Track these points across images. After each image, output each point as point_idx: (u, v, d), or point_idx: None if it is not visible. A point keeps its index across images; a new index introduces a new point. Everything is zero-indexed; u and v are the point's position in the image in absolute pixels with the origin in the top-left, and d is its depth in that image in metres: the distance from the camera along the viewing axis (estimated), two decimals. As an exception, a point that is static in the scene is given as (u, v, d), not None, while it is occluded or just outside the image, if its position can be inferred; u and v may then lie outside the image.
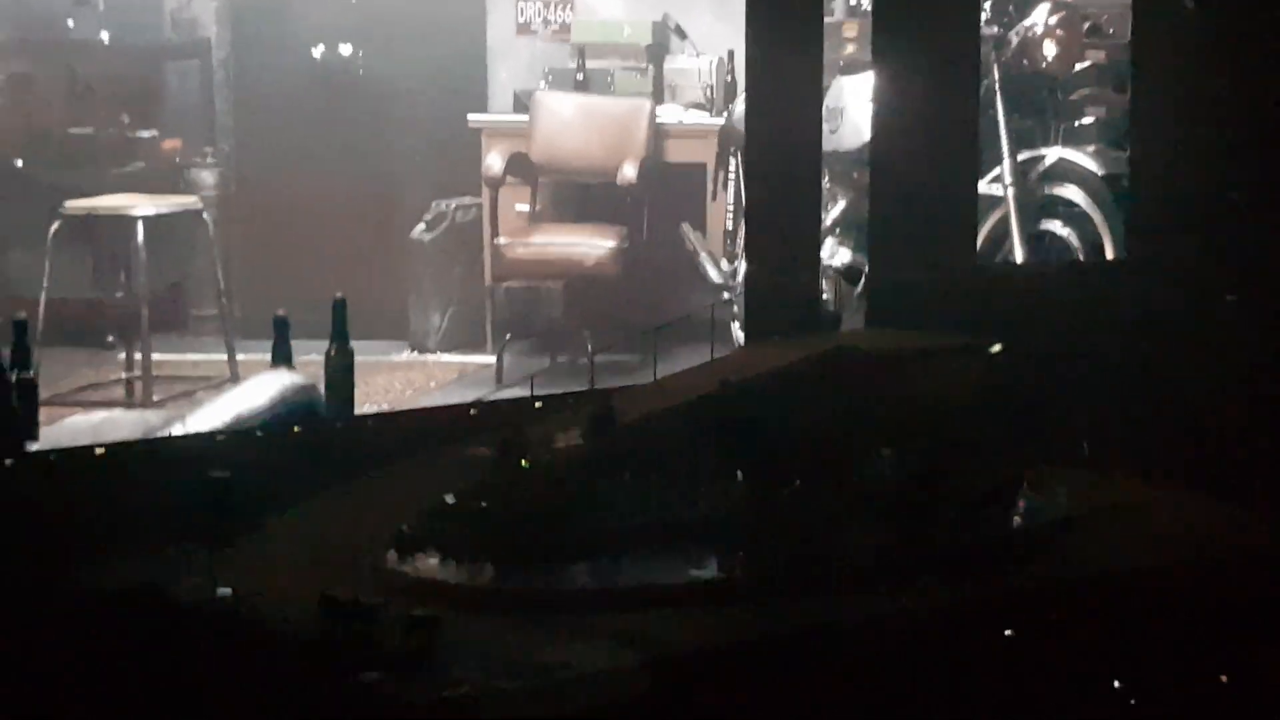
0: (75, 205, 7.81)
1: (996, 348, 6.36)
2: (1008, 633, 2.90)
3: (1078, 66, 8.00)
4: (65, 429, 6.53)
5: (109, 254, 8.40)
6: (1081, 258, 7.45)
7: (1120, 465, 5.45)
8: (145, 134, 9.43)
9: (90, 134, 9.27)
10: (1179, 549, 3.77)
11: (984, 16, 7.48)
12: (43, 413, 5.87)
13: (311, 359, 6.26)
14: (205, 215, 8.09)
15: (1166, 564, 3.52)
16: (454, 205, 9.22)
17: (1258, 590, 3.33)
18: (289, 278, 8.85)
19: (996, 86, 7.59)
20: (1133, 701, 2.95)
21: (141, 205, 7.77)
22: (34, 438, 5.47)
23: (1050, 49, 7.80)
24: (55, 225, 7.71)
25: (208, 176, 9.50)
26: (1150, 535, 4.60)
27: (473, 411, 5.21)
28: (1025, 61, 7.78)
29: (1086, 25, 8.18)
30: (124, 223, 7.68)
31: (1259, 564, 3.61)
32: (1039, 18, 7.82)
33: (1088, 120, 7.93)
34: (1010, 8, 7.86)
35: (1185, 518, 4.96)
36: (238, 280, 9.14)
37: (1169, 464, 5.50)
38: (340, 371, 6.24)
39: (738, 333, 7.62)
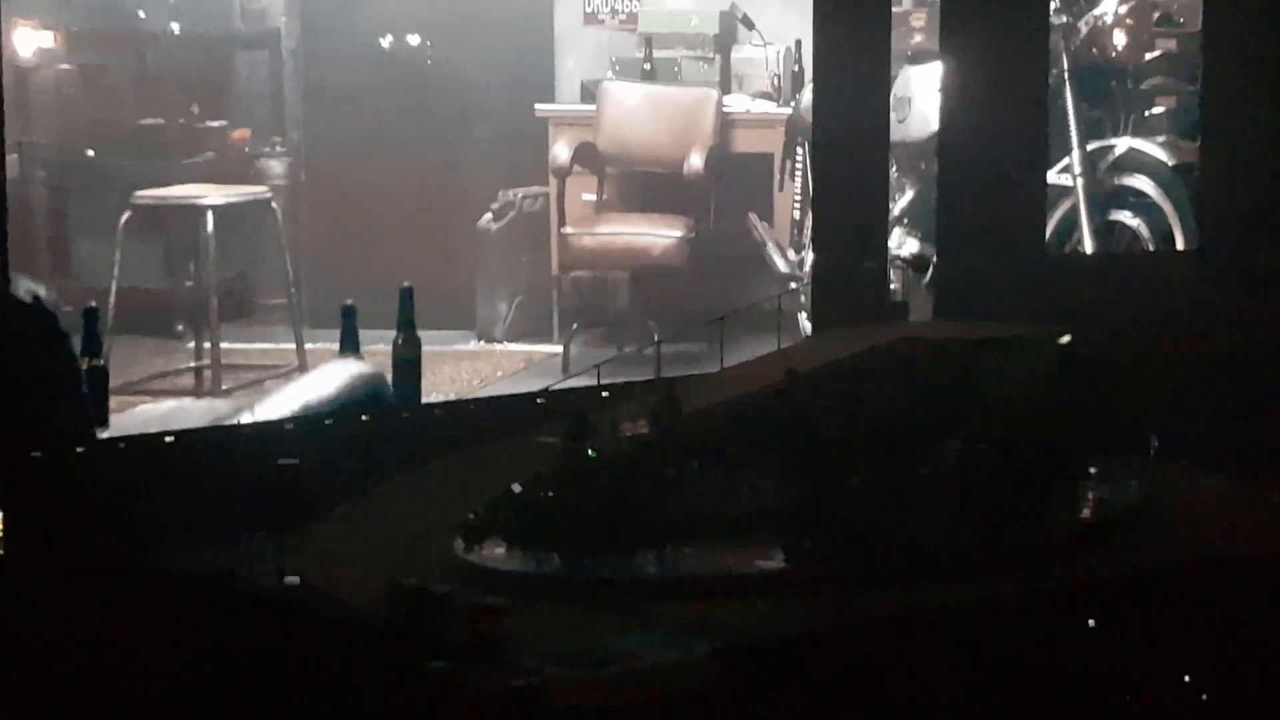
0: (146, 195, 7.88)
1: (1066, 338, 6.33)
2: (1087, 622, 2.89)
3: (1148, 56, 7.93)
4: (135, 417, 6.59)
5: (179, 243, 8.46)
6: (1152, 248, 7.40)
7: (1190, 456, 5.41)
8: (215, 124, 9.48)
9: (161, 124, 9.33)
10: (1251, 541, 3.74)
11: (1053, 5, 7.43)
12: (113, 400, 5.94)
13: (379, 348, 6.29)
14: (274, 204, 8.13)
15: (1240, 555, 3.49)
16: (521, 195, 9.23)
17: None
18: (357, 267, 8.88)
19: (1066, 76, 7.54)
20: (1204, 696, 2.93)
21: (211, 195, 7.82)
22: (105, 425, 5.52)
23: (1120, 38, 7.73)
24: (126, 215, 7.77)
25: (277, 166, 9.55)
26: (1223, 527, 4.55)
27: (540, 400, 5.22)
28: (1094, 50, 7.72)
29: (1157, 14, 8.11)
30: (193, 212, 7.73)
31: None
32: (1108, 6, 7.75)
33: (1158, 110, 7.86)
34: (1080, -4, 7.82)
35: (1257, 509, 4.91)
36: (306, 269, 9.18)
37: (1240, 455, 5.45)
38: (407, 361, 6.26)
39: (805, 323, 7.60)
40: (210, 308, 7.79)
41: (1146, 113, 7.84)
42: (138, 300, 8.13)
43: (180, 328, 8.72)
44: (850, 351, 6.19)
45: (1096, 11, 7.74)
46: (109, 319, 7.39)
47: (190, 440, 5.06)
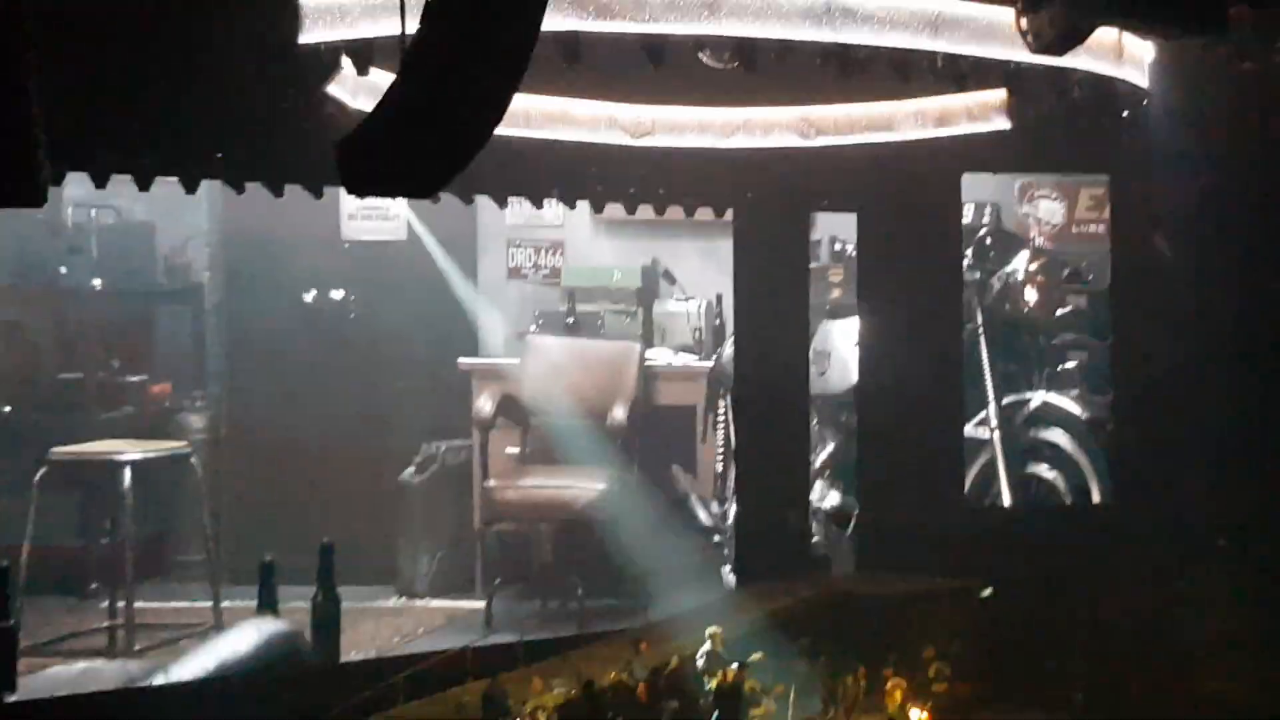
0: (62, 451, 7.81)
1: (987, 591, 6.34)
2: None
3: (1059, 312, 8.11)
4: (45, 679, 6.46)
5: (95, 500, 8.37)
6: (1069, 501, 7.47)
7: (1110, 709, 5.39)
8: (135, 378, 9.45)
9: (80, 379, 9.29)
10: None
11: (966, 262, 7.60)
12: (23, 663, 5.82)
13: (298, 605, 6.22)
14: (193, 460, 8.08)
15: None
16: (444, 447, 9.22)
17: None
18: (277, 522, 8.81)
19: (980, 331, 7.68)
20: None
21: (129, 450, 7.76)
22: (12, 688, 5.40)
23: (1031, 294, 7.90)
24: (42, 471, 7.70)
25: (197, 420, 9.51)
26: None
27: (461, 658, 5.15)
28: (1007, 306, 7.88)
29: (1066, 271, 8.30)
30: (111, 468, 7.66)
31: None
32: (1020, 263, 7.93)
33: (1070, 364, 8.02)
34: (991, 253, 7.98)
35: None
36: (225, 525, 9.10)
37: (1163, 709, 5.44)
38: (327, 618, 6.19)
39: (729, 576, 7.58)
40: (126, 566, 7.67)
41: (1060, 367, 7.99)
42: (51, 558, 8.01)
43: (94, 586, 8.58)
44: (776, 605, 6.19)
45: (1008, 268, 7.92)
46: (20, 578, 7.27)
47: (101, 703, 4.95)
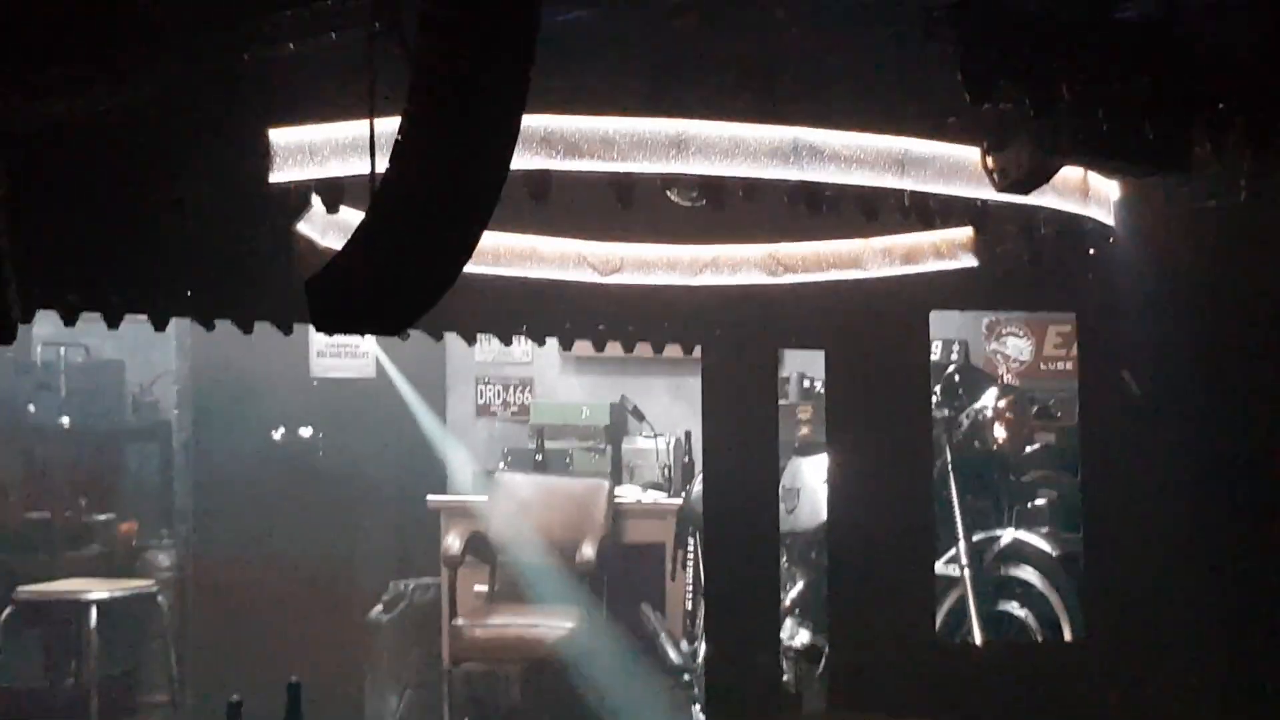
0: (28, 590, 7.75)
1: (959, 730, 6.28)
2: None
3: (1028, 448, 8.13)
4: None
5: (60, 640, 8.29)
6: (1040, 638, 7.45)
7: None
8: (102, 517, 9.40)
9: (46, 518, 9.24)
10: None
11: (934, 399, 7.63)
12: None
13: (264, 747, 6.14)
14: (160, 598, 8.02)
15: None
16: (412, 585, 9.17)
17: None
18: (244, 661, 8.72)
19: (949, 467, 7.69)
20: None
21: (95, 589, 7.71)
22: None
23: (1000, 431, 7.92)
24: (7, 610, 7.63)
25: (164, 558, 9.45)
26: None
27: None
28: (977, 443, 7.90)
29: (1035, 408, 8.34)
30: (76, 607, 7.61)
31: None
32: (988, 400, 7.97)
33: (1040, 501, 8.03)
34: (960, 390, 8.01)
35: None
36: (191, 663, 9.01)
37: None
38: (293, 759, 6.11)
39: (699, 715, 7.52)
40: (90, 708, 7.59)
41: (1030, 504, 7.99)
42: (15, 701, 7.92)
43: (58, 729, 8.48)
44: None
45: (977, 405, 7.95)
46: (-16, 720, 7.18)
47: None
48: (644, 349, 6.81)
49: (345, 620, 9.27)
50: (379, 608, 9.09)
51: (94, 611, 7.54)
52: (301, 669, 6.46)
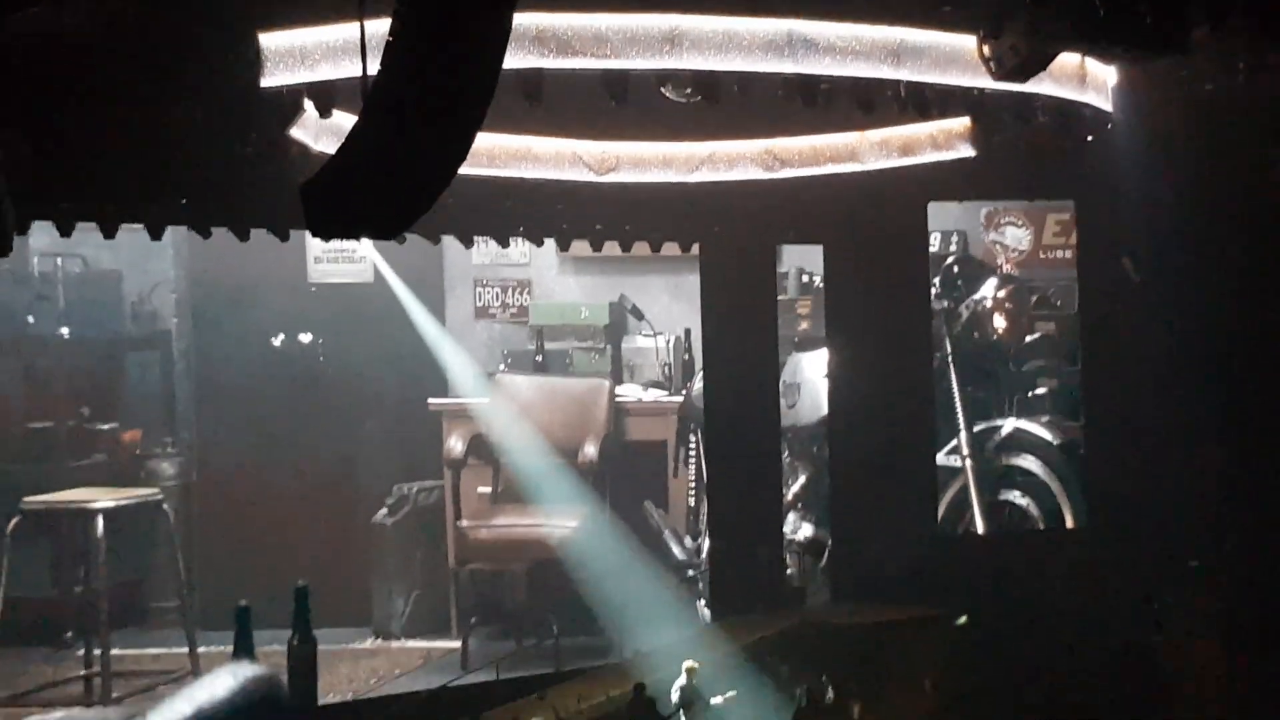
0: (34, 500, 7.77)
1: (962, 619, 6.35)
2: None
3: (1028, 338, 8.13)
4: (21, 730, 6.43)
5: (68, 549, 8.32)
6: (1041, 526, 7.49)
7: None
8: (105, 426, 9.41)
9: (50, 428, 9.25)
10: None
11: (934, 291, 7.62)
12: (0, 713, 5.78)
13: (275, 649, 6.19)
14: (165, 506, 8.04)
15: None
16: (416, 488, 9.20)
17: None
18: (251, 566, 8.77)
19: (949, 359, 7.70)
20: None
21: (101, 498, 7.72)
22: (-11, 740, 5.36)
23: (1000, 321, 7.92)
24: (14, 522, 7.65)
25: (168, 466, 9.47)
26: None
27: (438, 699, 5.14)
28: (976, 334, 7.90)
29: (1035, 298, 8.33)
30: (83, 516, 7.62)
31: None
32: (988, 291, 7.96)
33: (1041, 390, 8.04)
34: (959, 282, 8.00)
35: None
36: (199, 570, 9.05)
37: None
38: (303, 661, 6.16)
39: (703, 609, 7.56)
40: (100, 614, 7.63)
41: (1030, 393, 8.01)
42: (26, 609, 7.96)
43: (69, 635, 8.53)
44: (751, 638, 6.18)
45: (976, 296, 7.94)
46: (-5, 630, 7.24)
47: (77, 753, 4.91)
48: (642, 247, 6.80)
49: (350, 524, 9.32)
50: (383, 511, 9.13)
51: (100, 520, 7.55)
52: (308, 573, 6.50)
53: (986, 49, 4.19)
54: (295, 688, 6.15)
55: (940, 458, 7.39)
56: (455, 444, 8.66)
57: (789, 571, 7.35)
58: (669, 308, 9.31)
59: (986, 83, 4.34)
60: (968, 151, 5.56)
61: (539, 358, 9.42)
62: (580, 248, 6.96)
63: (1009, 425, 7.70)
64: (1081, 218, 7.17)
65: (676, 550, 8.27)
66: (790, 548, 7.44)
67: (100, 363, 9.72)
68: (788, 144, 5.71)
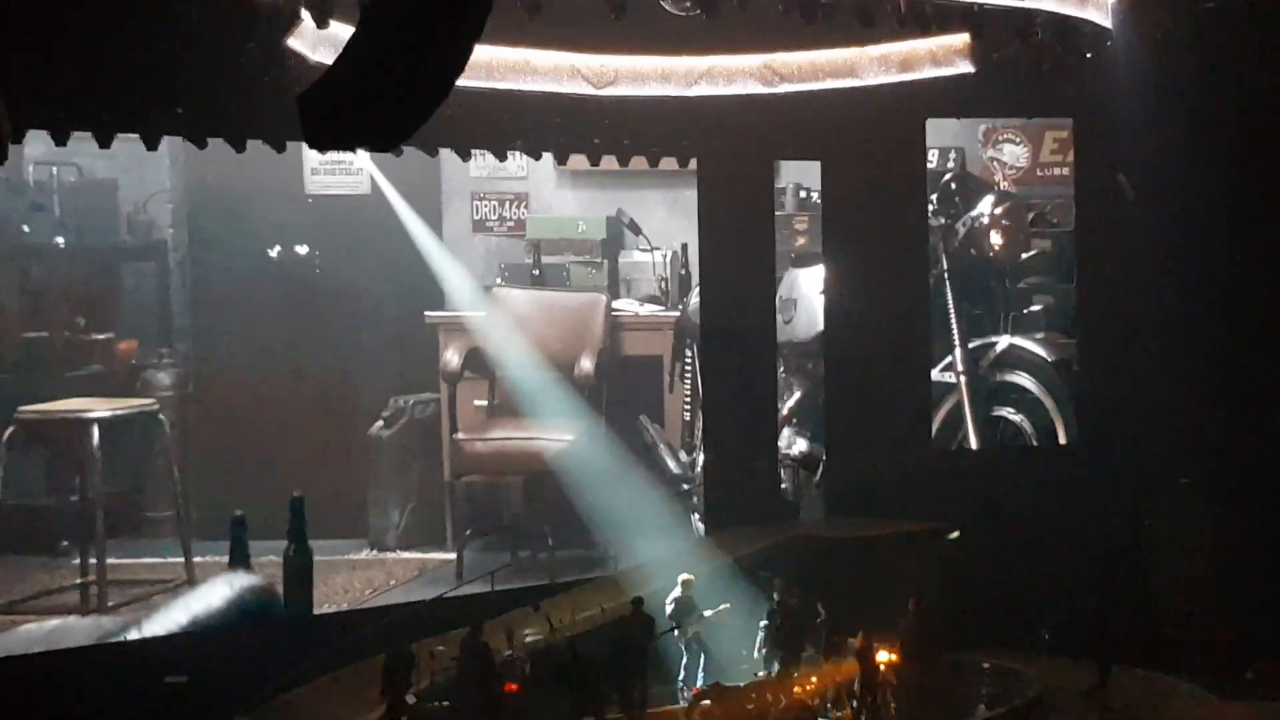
0: (29, 410, 7.77)
1: (955, 534, 6.40)
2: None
3: (1024, 255, 8.13)
4: (19, 636, 6.46)
5: (64, 458, 8.33)
6: (1034, 442, 7.52)
7: (1074, 646, 5.45)
8: (101, 336, 9.39)
9: (45, 338, 9.23)
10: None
11: (931, 207, 7.61)
12: (-4, 620, 5.82)
13: (270, 559, 6.23)
14: (161, 416, 8.05)
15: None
16: (412, 401, 9.20)
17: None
18: (247, 477, 8.79)
19: (945, 275, 7.70)
20: None
21: (96, 408, 7.73)
22: (-13, 646, 5.40)
23: (996, 238, 7.93)
24: (9, 431, 7.66)
25: (164, 377, 9.46)
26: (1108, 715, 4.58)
27: (434, 610, 5.17)
28: (973, 251, 7.91)
29: (1031, 215, 8.32)
30: (79, 426, 7.62)
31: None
32: (985, 208, 7.96)
33: (1036, 307, 8.06)
34: (956, 198, 7.99)
35: (1141, 697, 4.96)
36: (195, 481, 9.06)
37: (1125, 645, 5.49)
38: (299, 572, 6.20)
39: (698, 523, 7.61)
40: (96, 523, 7.65)
41: (1025, 310, 8.02)
42: (21, 518, 7.99)
43: (65, 544, 8.56)
44: (745, 551, 6.23)
45: (973, 213, 7.94)
46: (-9, 538, 7.26)
47: (75, 659, 4.95)
48: (639, 162, 6.78)
49: (347, 436, 9.33)
50: (380, 423, 9.14)
51: (95, 430, 7.56)
52: (304, 484, 6.53)
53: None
54: (291, 598, 6.20)
55: (935, 374, 7.42)
56: (451, 357, 8.66)
57: (783, 486, 7.39)
58: (666, 222, 9.29)
59: (987, -2, 4.33)
60: (967, 68, 5.54)
61: (536, 271, 9.41)
62: (578, 161, 6.93)
63: (1004, 342, 7.72)
64: (1079, 135, 7.15)
65: (671, 464, 8.30)
66: (785, 462, 7.47)
67: (96, 273, 9.69)
68: (787, 59, 5.69)
